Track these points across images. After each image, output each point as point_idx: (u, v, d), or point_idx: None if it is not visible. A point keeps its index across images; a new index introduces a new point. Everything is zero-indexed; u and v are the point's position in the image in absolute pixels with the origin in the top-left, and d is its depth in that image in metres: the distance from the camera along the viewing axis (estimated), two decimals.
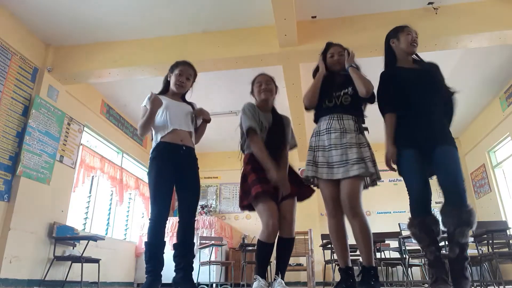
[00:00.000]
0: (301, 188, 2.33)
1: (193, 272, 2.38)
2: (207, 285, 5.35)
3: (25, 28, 4.40)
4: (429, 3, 4.15)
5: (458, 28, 4.10)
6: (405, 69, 2.27)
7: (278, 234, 2.20)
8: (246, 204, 2.26)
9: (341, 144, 2.15)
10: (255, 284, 2.11)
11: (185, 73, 2.60)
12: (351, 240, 2.15)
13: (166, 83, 2.68)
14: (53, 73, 4.68)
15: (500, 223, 4.92)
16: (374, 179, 2.20)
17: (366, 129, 2.28)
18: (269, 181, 2.18)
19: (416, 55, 2.37)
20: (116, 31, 4.56)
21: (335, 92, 2.28)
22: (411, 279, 5.30)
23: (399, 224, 4.82)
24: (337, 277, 6.24)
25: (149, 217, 2.33)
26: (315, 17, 4.37)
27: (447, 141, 2.04)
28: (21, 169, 4.11)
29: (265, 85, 2.45)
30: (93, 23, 4.41)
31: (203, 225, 6.62)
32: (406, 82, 2.19)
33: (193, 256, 2.45)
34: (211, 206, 7.98)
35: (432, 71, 2.28)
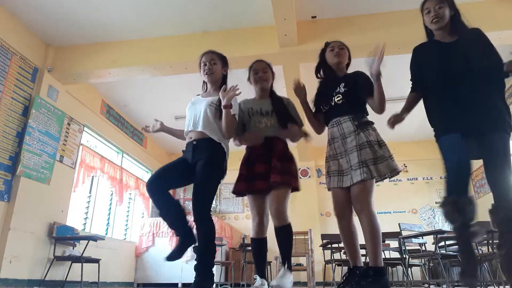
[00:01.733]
0: (285, 178, 2.25)
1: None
2: None
3: (25, 28, 4.40)
4: None
5: None
6: (437, 44, 2.05)
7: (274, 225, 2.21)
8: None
9: (345, 151, 2.15)
10: (254, 284, 2.13)
11: (207, 60, 2.47)
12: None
13: (204, 83, 2.60)
14: (53, 73, 4.68)
15: None
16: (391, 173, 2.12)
17: (369, 122, 2.18)
18: (244, 177, 2.28)
19: (455, 22, 2.04)
20: (116, 31, 4.56)
21: (329, 94, 2.27)
22: (411, 279, 5.30)
23: (399, 224, 4.82)
24: (337, 277, 6.26)
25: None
26: (315, 17, 4.37)
27: (495, 127, 1.81)
28: (21, 169, 4.11)
29: (261, 73, 2.46)
30: (93, 23, 4.41)
31: None
32: (431, 60, 2.02)
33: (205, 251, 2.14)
34: None
35: (466, 42, 1.98)
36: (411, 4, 4.19)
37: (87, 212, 5.60)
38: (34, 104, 4.38)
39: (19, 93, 4.28)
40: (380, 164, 2.05)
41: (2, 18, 4.09)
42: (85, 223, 5.50)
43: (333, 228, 6.83)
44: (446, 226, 7.11)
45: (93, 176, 5.73)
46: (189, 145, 2.34)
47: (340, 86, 2.22)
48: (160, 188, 2.21)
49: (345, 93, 2.20)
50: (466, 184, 1.82)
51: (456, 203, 1.79)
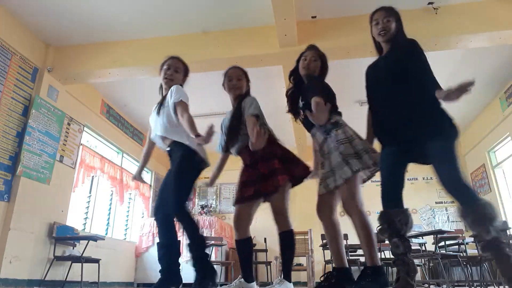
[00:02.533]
0: (262, 185, 2.20)
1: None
2: None
3: (25, 28, 4.40)
4: (429, 3, 4.15)
5: (458, 28, 4.10)
6: (378, 61, 2.15)
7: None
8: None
9: (323, 162, 2.19)
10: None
11: (172, 65, 2.50)
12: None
13: (160, 87, 2.59)
14: (53, 73, 4.68)
15: (500, 223, 4.90)
16: (367, 170, 2.13)
17: (333, 124, 2.13)
18: (243, 185, 2.28)
19: (396, 36, 2.08)
20: (116, 31, 4.56)
21: (297, 106, 2.31)
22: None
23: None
24: None
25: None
26: (315, 17, 4.37)
27: (431, 134, 1.83)
28: (21, 169, 4.11)
29: (235, 81, 2.43)
30: (93, 23, 4.41)
31: (203, 225, 6.61)
32: (369, 78, 2.14)
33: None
34: (211, 206, 7.98)
35: (389, 59, 2.04)
36: (411, 4, 4.20)
37: (87, 212, 5.59)
38: (34, 104, 4.38)
39: (19, 93, 4.28)
40: (345, 166, 2.02)
41: (2, 18, 4.09)
42: (85, 223, 5.50)
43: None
44: (446, 226, 7.12)
45: (93, 176, 5.73)
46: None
47: (300, 101, 2.27)
48: (164, 216, 2.27)
49: (303, 108, 2.21)
50: (396, 197, 1.92)
51: (385, 215, 1.89)
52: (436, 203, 7.55)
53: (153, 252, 6.44)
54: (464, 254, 4.75)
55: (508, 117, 5.78)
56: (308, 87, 2.21)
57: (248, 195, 2.20)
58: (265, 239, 5.65)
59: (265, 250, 5.52)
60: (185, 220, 2.20)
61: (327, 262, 5.20)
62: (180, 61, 2.54)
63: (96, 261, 4.58)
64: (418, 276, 6.17)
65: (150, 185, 7.57)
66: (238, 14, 4.29)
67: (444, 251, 4.61)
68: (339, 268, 2.08)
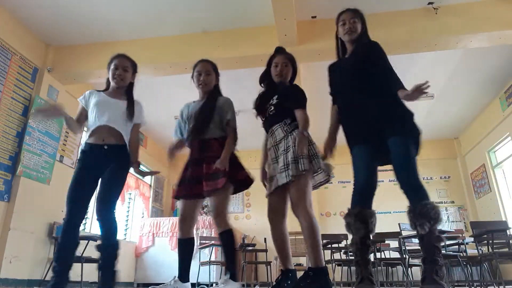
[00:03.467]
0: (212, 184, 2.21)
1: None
2: (207, 285, 5.35)
3: (25, 28, 4.40)
4: (429, 3, 4.15)
5: (458, 28, 4.10)
6: (342, 61, 2.23)
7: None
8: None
9: (276, 157, 2.19)
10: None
11: (120, 65, 2.45)
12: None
13: (107, 80, 2.53)
14: (53, 73, 4.68)
15: (500, 223, 4.92)
16: (323, 174, 2.17)
17: (297, 125, 2.18)
18: (182, 181, 2.29)
19: (360, 38, 2.15)
20: (116, 31, 4.56)
21: (265, 107, 2.32)
22: (411, 279, 5.30)
23: (399, 224, 4.82)
24: (337, 277, 6.26)
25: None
26: (315, 17, 4.37)
27: (393, 131, 1.88)
28: (21, 169, 4.11)
29: (204, 76, 2.42)
30: (93, 23, 4.41)
31: (203, 225, 6.61)
32: (335, 77, 2.20)
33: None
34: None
35: (353, 58, 2.12)
36: (411, 4, 4.20)
37: (87, 212, 5.59)
38: (34, 104, 4.38)
39: (19, 93, 4.28)
40: (300, 163, 2.02)
41: (2, 18, 4.09)
42: (85, 223, 5.50)
43: (333, 228, 6.84)
44: (446, 226, 7.12)
45: None
46: (99, 147, 2.38)
47: (274, 98, 2.28)
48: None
49: (276, 104, 2.25)
50: (370, 197, 1.96)
51: (360, 214, 1.90)
52: (436, 203, 7.55)
53: (153, 252, 6.45)
54: (464, 254, 4.75)
55: (508, 117, 5.78)
56: (291, 95, 2.26)
57: (198, 192, 2.21)
58: (265, 239, 5.64)
59: (265, 250, 5.51)
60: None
61: (327, 262, 5.21)
62: (129, 60, 2.53)
63: (96, 261, 4.56)
64: (418, 276, 6.17)
65: (150, 185, 7.58)
66: (238, 14, 4.29)
67: (444, 251, 4.61)
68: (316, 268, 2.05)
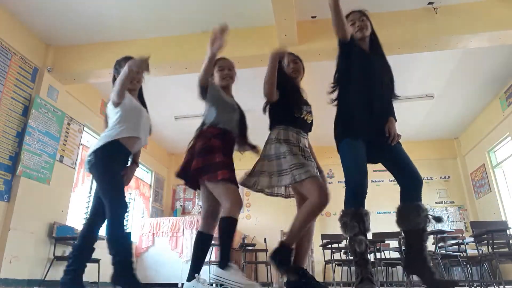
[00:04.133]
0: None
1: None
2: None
3: (25, 28, 4.40)
4: (429, 3, 4.15)
5: (458, 28, 4.10)
6: (361, 49, 2.21)
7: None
8: (203, 178, 2.20)
9: (307, 157, 2.24)
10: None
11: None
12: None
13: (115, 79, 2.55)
14: (53, 73, 4.68)
15: (500, 223, 4.92)
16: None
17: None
18: (232, 168, 2.25)
19: (375, 38, 2.27)
20: (116, 31, 4.56)
21: (303, 105, 2.30)
22: (411, 279, 5.30)
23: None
24: (337, 277, 6.25)
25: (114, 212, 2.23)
26: (315, 17, 4.37)
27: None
28: (21, 169, 4.11)
29: (227, 71, 2.47)
30: (93, 23, 4.41)
31: None
32: (356, 58, 2.16)
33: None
34: None
35: (382, 59, 2.25)
36: (411, 4, 4.20)
37: (87, 212, 5.59)
38: (34, 104, 4.38)
39: (19, 93, 4.28)
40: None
41: (2, 18, 4.09)
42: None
43: (333, 228, 6.82)
44: (446, 226, 7.11)
45: None
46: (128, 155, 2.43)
47: (307, 106, 2.32)
48: None
49: (310, 114, 2.33)
50: (365, 197, 1.98)
51: (356, 213, 1.91)
52: (436, 203, 7.56)
53: (153, 252, 6.45)
54: (464, 254, 4.75)
55: (508, 117, 5.78)
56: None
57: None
58: (265, 239, 5.65)
59: (265, 250, 5.52)
60: None
61: (327, 262, 5.21)
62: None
63: (96, 261, 4.58)
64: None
65: (150, 185, 7.58)
66: (238, 14, 4.29)
67: (444, 251, 4.62)
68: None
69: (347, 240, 1.99)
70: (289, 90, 2.30)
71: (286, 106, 2.25)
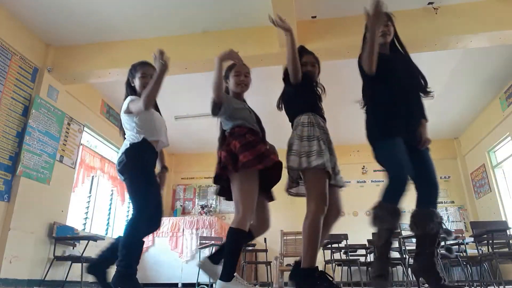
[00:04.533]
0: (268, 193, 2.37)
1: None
2: (207, 285, 5.35)
3: (25, 28, 4.40)
4: (429, 3, 4.15)
5: (458, 28, 4.10)
6: (394, 58, 2.24)
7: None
8: (258, 167, 2.13)
9: (331, 149, 2.26)
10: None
11: (148, 73, 2.49)
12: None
13: (131, 88, 2.55)
14: (53, 73, 4.68)
15: (500, 223, 4.92)
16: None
17: None
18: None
19: (395, 42, 2.33)
20: (116, 31, 4.56)
21: (316, 92, 2.36)
22: (411, 279, 5.30)
23: (399, 224, 4.82)
24: (337, 277, 6.25)
25: (136, 215, 2.25)
26: (315, 17, 4.37)
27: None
28: (21, 169, 4.11)
29: (243, 77, 2.39)
30: (93, 23, 4.41)
31: (203, 225, 6.61)
32: (394, 70, 2.16)
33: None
34: (211, 206, 7.98)
35: (412, 64, 2.29)
36: (411, 4, 4.20)
37: (87, 212, 5.59)
38: (34, 104, 4.38)
39: (19, 93, 4.28)
40: None
41: (2, 18, 4.09)
42: (85, 223, 5.50)
43: (333, 228, 6.81)
44: (447, 226, 7.11)
45: (93, 176, 5.73)
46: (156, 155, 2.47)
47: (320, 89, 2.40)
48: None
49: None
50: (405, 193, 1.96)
51: (394, 210, 1.89)
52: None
53: (153, 252, 6.44)
54: (464, 254, 4.75)
55: (508, 117, 5.78)
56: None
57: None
58: (265, 239, 5.64)
59: (265, 250, 5.52)
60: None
61: (327, 262, 5.21)
62: (152, 67, 2.52)
63: None
64: None
65: None
66: (238, 14, 4.29)
67: (443, 251, 4.61)
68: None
69: (376, 232, 1.93)
70: (310, 84, 2.36)
71: (311, 95, 2.32)
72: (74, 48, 4.77)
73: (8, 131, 4.08)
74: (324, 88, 2.44)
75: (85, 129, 5.60)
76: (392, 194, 1.91)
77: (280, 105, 2.44)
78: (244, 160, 2.09)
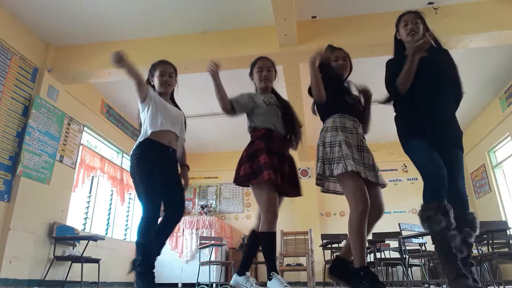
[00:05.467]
0: (294, 187, 2.35)
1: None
2: (207, 285, 5.35)
3: (25, 28, 4.40)
4: (429, 3, 4.15)
5: (458, 28, 4.10)
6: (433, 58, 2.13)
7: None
8: (252, 183, 2.20)
9: (362, 147, 2.17)
10: (276, 283, 2.06)
11: (167, 72, 2.59)
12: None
13: (151, 87, 2.61)
14: (53, 73, 4.68)
15: (500, 223, 4.92)
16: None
17: None
18: (276, 169, 2.19)
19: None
20: (116, 31, 4.56)
21: (344, 92, 2.29)
22: (411, 279, 5.30)
23: (399, 224, 4.82)
24: None
25: (143, 215, 2.27)
26: (315, 17, 4.37)
27: (460, 145, 2.03)
28: (21, 169, 4.11)
29: (266, 72, 2.44)
30: (93, 23, 4.41)
31: (203, 225, 6.61)
32: (430, 66, 2.08)
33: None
34: (211, 206, 7.98)
35: (444, 63, 2.13)
36: (411, 4, 4.18)
37: (87, 212, 5.59)
38: (34, 104, 4.38)
39: (19, 93, 4.28)
40: None
41: (2, 18, 4.09)
42: (85, 223, 5.50)
43: (333, 228, 6.82)
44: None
45: (93, 176, 5.73)
46: (165, 148, 2.39)
47: (353, 90, 2.33)
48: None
49: (359, 101, 2.30)
50: (445, 191, 1.92)
51: (440, 207, 1.82)
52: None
53: None
54: None
55: (508, 117, 5.78)
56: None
57: (285, 190, 2.32)
58: None
59: None
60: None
61: (327, 262, 5.21)
62: (173, 66, 2.68)
63: (96, 261, 4.58)
64: (418, 276, 6.17)
65: None
66: (238, 14, 4.29)
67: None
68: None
69: (433, 236, 1.84)
70: (336, 81, 2.29)
71: (337, 94, 2.25)
72: (74, 48, 4.77)
73: (8, 131, 4.08)
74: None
75: (85, 129, 5.60)
76: (434, 192, 1.87)
77: (315, 110, 2.40)
78: (242, 174, 2.21)
